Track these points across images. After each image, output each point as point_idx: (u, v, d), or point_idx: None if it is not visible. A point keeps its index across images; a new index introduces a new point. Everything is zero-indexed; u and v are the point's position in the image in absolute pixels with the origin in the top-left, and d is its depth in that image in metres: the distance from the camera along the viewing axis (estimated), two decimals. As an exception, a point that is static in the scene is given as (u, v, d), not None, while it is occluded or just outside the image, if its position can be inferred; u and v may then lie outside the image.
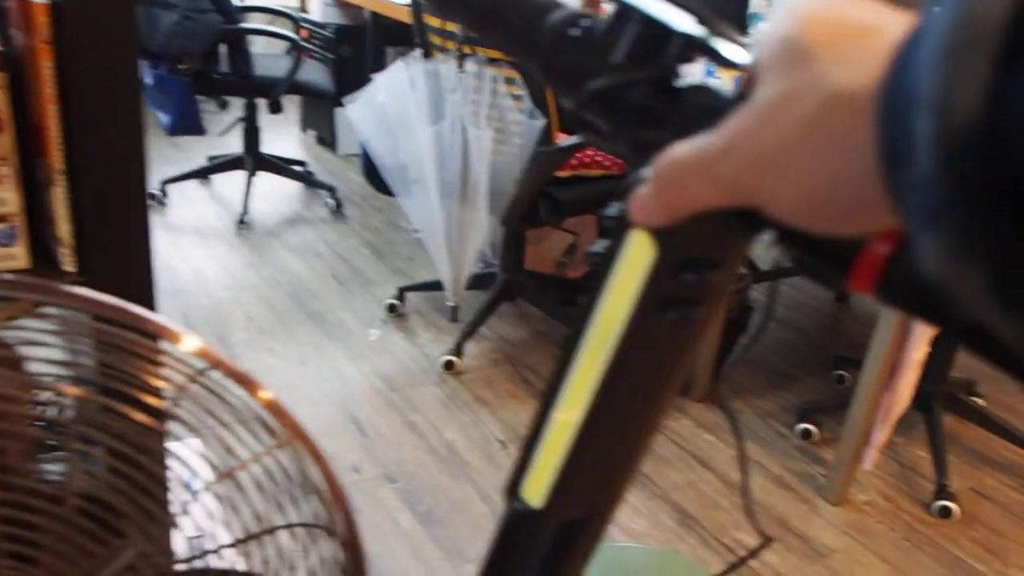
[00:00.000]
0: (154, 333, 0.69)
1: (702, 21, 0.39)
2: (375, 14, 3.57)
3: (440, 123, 2.04)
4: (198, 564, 0.74)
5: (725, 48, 0.39)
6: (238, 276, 2.78)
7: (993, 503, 2.03)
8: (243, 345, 2.37)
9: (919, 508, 1.98)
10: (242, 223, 3.14)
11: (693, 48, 0.39)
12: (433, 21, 2.12)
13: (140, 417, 0.67)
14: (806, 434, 2.19)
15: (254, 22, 3.58)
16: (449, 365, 2.33)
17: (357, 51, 3.78)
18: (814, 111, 0.29)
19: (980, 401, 2.29)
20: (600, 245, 0.44)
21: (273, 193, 3.52)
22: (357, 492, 1.85)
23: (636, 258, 0.41)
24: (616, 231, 0.42)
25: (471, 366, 2.37)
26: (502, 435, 2.09)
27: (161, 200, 3.29)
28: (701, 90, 0.39)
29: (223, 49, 3.06)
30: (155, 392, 0.66)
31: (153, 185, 3.32)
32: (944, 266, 0.22)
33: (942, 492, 1.97)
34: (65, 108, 0.86)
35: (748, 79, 0.34)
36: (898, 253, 0.31)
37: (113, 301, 0.66)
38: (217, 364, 0.71)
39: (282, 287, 2.73)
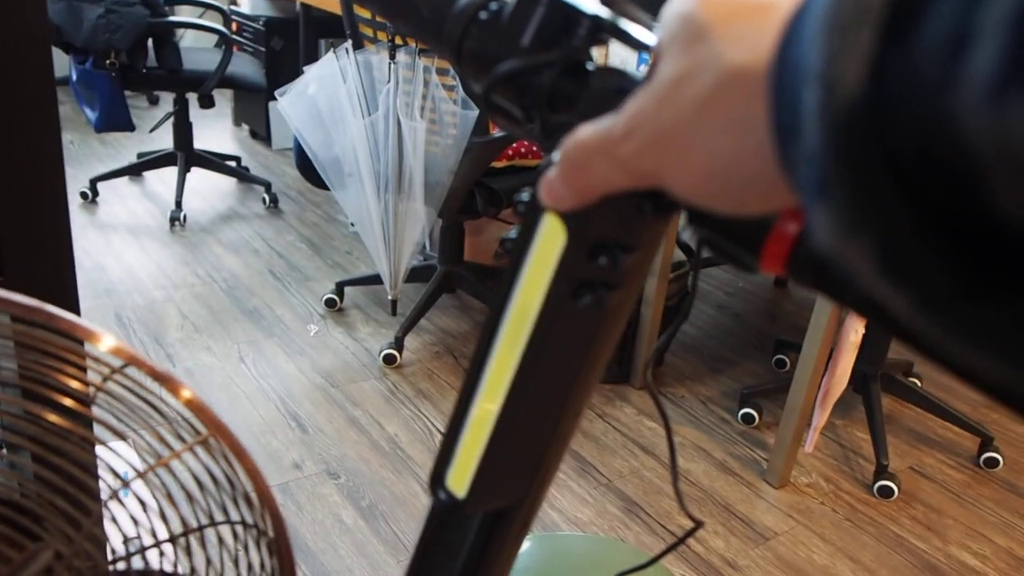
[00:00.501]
0: (68, 332, 0.66)
1: (608, 3, 0.39)
2: (306, 6, 3.52)
3: (373, 115, 2.01)
4: (132, 564, 0.72)
5: (633, 29, 0.38)
6: (172, 274, 2.71)
7: (932, 481, 2.08)
8: (179, 344, 2.31)
9: (860, 488, 2.02)
10: (175, 220, 3.07)
11: (601, 30, 0.39)
12: (364, 12, 2.08)
13: (55, 419, 0.65)
14: (748, 419, 2.22)
15: (183, 15, 3.50)
16: (390, 359, 2.30)
17: (289, 43, 3.72)
18: (710, 89, 0.29)
19: (917, 382, 2.34)
20: (513, 231, 0.43)
21: (207, 189, 3.44)
22: (299, 489, 1.82)
23: (548, 243, 0.40)
24: (528, 216, 0.41)
25: (412, 359, 2.35)
26: (445, 428, 2.07)
27: (91, 198, 3.20)
28: (609, 72, 0.38)
29: (151, 43, 2.98)
30: (73, 394, 0.63)
31: (83, 183, 3.23)
32: (834, 241, 0.22)
33: (882, 472, 2.01)
34: None
35: (653, 59, 0.34)
36: (806, 231, 0.31)
37: (25, 300, 0.63)
38: (134, 363, 0.68)
39: (218, 284, 2.67)
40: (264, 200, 3.35)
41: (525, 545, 0.97)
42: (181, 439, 0.69)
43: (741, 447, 2.13)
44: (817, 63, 0.21)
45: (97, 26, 2.79)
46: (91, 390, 0.66)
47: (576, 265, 0.40)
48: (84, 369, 0.66)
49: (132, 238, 2.94)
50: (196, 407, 0.71)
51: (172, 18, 3.03)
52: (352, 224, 2.42)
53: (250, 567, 0.69)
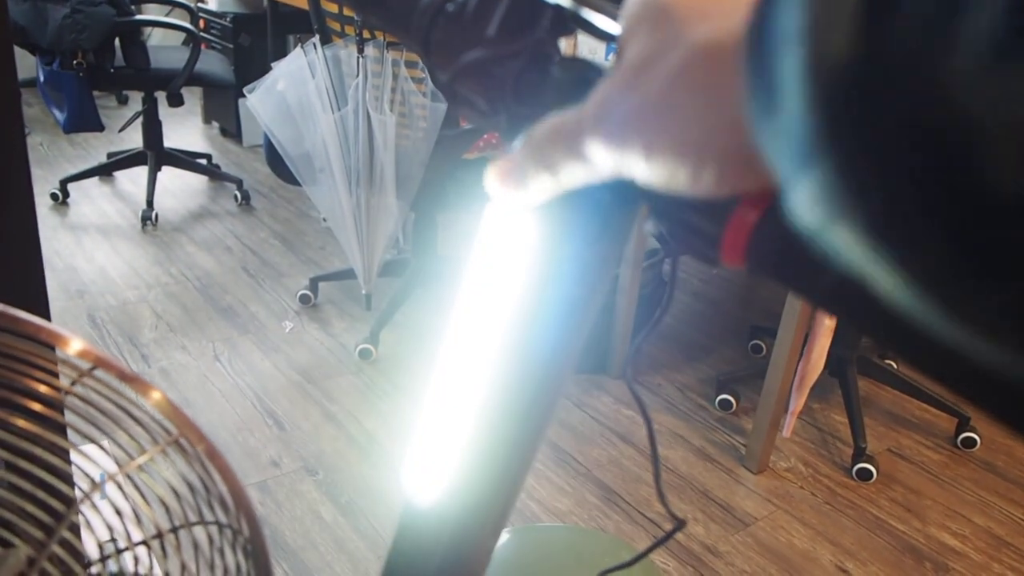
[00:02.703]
0: (34, 336, 0.66)
1: None
2: (273, 1, 3.49)
3: (342, 109, 2.00)
4: (108, 568, 0.71)
5: (597, 19, 0.38)
6: (145, 274, 2.68)
7: (910, 463, 2.11)
8: (153, 344, 2.29)
9: (839, 472, 2.04)
10: (147, 220, 3.03)
11: (564, 20, 0.39)
12: (331, 7, 2.07)
13: (25, 424, 0.64)
14: (725, 405, 2.23)
15: (150, 14, 3.46)
16: (365, 354, 2.29)
17: (257, 40, 3.69)
18: (679, 66, 0.29)
19: (893, 364, 2.37)
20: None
21: (178, 188, 3.41)
22: (277, 486, 1.81)
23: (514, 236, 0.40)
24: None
25: (388, 354, 2.34)
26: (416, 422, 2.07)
27: (61, 199, 3.16)
28: (573, 62, 0.38)
29: (118, 42, 2.94)
30: (42, 398, 0.63)
31: (53, 184, 3.19)
32: (820, 215, 0.21)
33: (860, 455, 2.03)
34: None
35: (620, 46, 0.33)
36: (765, 219, 0.30)
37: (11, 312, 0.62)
38: (103, 365, 0.68)
39: (191, 283, 2.65)
40: (236, 197, 3.32)
41: (504, 538, 0.98)
42: (154, 441, 0.69)
43: (719, 433, 2.14)
44: (799, 24, 0.20)
45: (63, 26, 2.75)
46: (60, 394, 0.65)
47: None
48: (55, 374, 0.65)
49: (103, 238, 2.91)
50: (166, 408, 0.71)
51: (139, 17, 3.00)
52: (324, 219, 2.40)
53: (226, 570, 0.68)
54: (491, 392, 0.44)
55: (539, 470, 1.94)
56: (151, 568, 0.69)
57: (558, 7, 0.39)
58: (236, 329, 2.40)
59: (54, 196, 3.16)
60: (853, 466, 2.03)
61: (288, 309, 2.54)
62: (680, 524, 0.56)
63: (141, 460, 0.59)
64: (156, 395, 0.71)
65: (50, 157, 3.62)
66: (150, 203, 3.07)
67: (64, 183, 3.18)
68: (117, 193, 3.33)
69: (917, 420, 2.29)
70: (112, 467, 0.67)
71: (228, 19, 3.71)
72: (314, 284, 2.57)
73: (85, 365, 0.67)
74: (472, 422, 0.45)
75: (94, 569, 0.71)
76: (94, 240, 2.89)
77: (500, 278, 0.42)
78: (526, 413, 0.45)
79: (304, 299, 2.56)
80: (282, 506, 1.76)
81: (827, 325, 1.92)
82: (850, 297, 0.28)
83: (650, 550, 0.61)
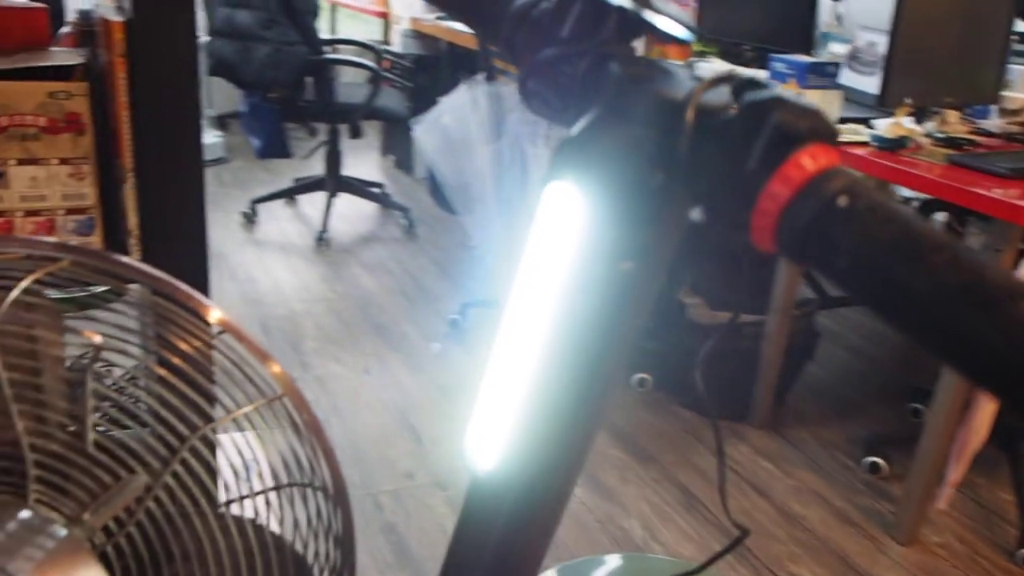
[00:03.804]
0: (184, 303, 0.75)
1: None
2: (451, 44, 3.70)
3: (499, 141, 2.08)
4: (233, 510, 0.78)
5: (661, 22, 0.41)
6: (313, 289, 2.87)
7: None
8: (312, 353, 2.44)
9: (1000, 554, 1.87)
10: (321, 240, 3.26)
11: (628, 22, 0.42)
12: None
13: (162, 372, 0.72)
14: (874, 468, 2.11)
15: (345, 54, 3.73)
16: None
17: (434, 79, 3.89)
18: None
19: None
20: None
21: (351, 213, 3.63)
22: (408, 497, 1.87)
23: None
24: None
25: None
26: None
27: (251, 218, 3.44)
28: (630, 60, 0.41)
29: (310, 79, 3.20)
30: (180, 352, 0.71)
31: (244, 204, 3.49)
32: None
33: (1026, 538, 1.85)
34: (135, 114, 0.95)
35: None
36: (794, 202, 0.31)
37: (159, 274, 0.72)
38: (231, 331, 0.76)
39: (353, 300, 2.81)
40: (402, 225, 3.50)
41: (615, 562, 0.97)
42: (262, 397, 0.75)
43: (864, 497, 2.03)
44: None
45: (265, 63, 3.04)
46: (194, 350, 0.74)
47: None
48: (195, 335, 0.74)
49: (282, 255, 3.14)
50: (282, 378, 0.77)
51: (328, 56, 3.25)
52: (477, 248, 2.49)
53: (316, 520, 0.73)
54: (543, 366, 0.45)
55: (665, 512, 1.90)
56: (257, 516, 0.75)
57: (622, 10, 0.42)
58: (388, 346, 2.52)
59: (245, 215, 3.45)
60: (1019, 551, 1.85)
61: (438, 331, 2.64)
62: (744, 533, 0.56)
63: (246, 409, 0.65)
64: (276, 368, 0.78)
65: (245, 181, 3.95)
66: (325, 225, 3.29)
67: (254, 203, 3.46)
68: (298, 215, 3.59)
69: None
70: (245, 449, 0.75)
71: (409, 60, 3.95)
72: (464, 310, 2.66)
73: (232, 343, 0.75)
74: (527, 392, 0.46)
75: (221, 510, 0.78)
76: (274, 256, 3.13)
77: (555, 256, 0.44)
78: (579, 386, 0.46)
79: (454, 323, 2.65)
80: (411, 516, 1.82)
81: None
82: (875, 283, 0.29)
83: (711, 562, 0.60)
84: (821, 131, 0.32)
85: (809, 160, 0.31)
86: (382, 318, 2.71)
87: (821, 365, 2.64)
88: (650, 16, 0.41)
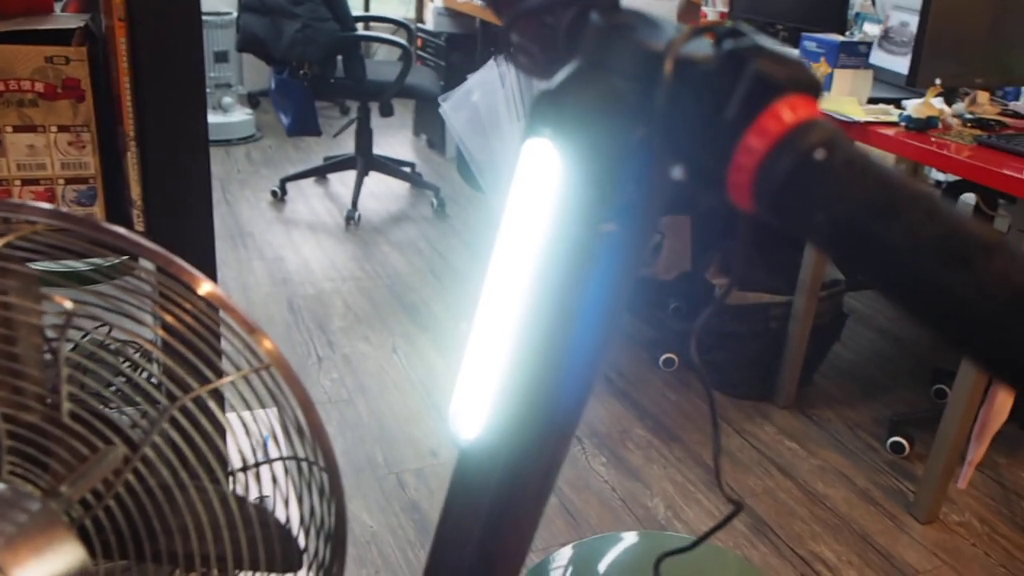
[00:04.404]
0: (175, 275, 0.75)
1: None
2: (484, 22, 3.69)
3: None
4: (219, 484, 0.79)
5: None
6: (342, 268, 2.91)
7: (1103, 532, 1.90)
8: (340, 332, 2.48)
9: (1019, 533, 1.88)
10: (351, 219, 3.29)
11: None
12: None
13: (146, 344, 0.72)
14: (897, 448, 2.11)
15: (377, 32, 3.75)
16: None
17: (467, 57, 3.89)
18: None
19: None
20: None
21: (382, 192, 3.66)
22: (432, 475, 1.91)
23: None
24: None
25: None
26: (578, 431, 2.11)
27: (280, 196, 3.48)
28: (615, 10, 0.40)
29: (340, 56, 3.21)
30: (166, 326, 0.72)
31: (274, 182, 3.52)
32: None
33: (1044, 516, 1.86)
34: (137, 80, 0.92)
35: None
36: (769, 158, 0.30)
37: (132, 236, 0.73)
38: (223, 306, 0.77)
39: (381, 280, 2.85)
40: (432, 204, 3.52)
41: (631, 539, 0.98)
42: (248, 366, 0.75)
43: (887, 477, 2.03)
44: None
45: (295, 39, 3.05)
46: (181, 324, 0.74)
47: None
48: (184, 308, 0.74)
49: (311, 233, 3.18)
50: (275, 355, 0.78)
51: (359, 32, 3.26)
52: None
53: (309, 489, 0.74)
54: (523, 336, 0.44)
55: (689, 491, 1.92)
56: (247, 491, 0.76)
57: None
58: (416, 326, 2.56)
59: (274, 193, 3.49)
60: (1040, 531, 1.86)
61: (467, 311, 2.67)
62: (738, 508, 0.57)
63: (228, 379, 0.65)
64: (267, 343, 0.79)
65: (275, 159, 3.99)
66: (355, 204, 3.32)
67: (283, 182, 3.50)
68: (328, 193, 3.63)
69: (1125, 491, 2.05)
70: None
71: (443, 38, 3.95)
72: (492, 289, 2.68)
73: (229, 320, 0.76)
74: (508, 362, 0.45)
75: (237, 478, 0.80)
76: (302, 234, 3.17)
77: (535, 219, 0.42)
78: (561, 355, 0.45)
79: (481, 302, 2.67)
80: (434, 494, 1.86)
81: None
82: (852, 238, 0.28)
83: (704, 538, 0.61)
84: (801, 81, 0.30)
85: (788, 111, 0.30)
86: (410, 297, 2.74)
87: (848, 346, 2.63)
88: None
